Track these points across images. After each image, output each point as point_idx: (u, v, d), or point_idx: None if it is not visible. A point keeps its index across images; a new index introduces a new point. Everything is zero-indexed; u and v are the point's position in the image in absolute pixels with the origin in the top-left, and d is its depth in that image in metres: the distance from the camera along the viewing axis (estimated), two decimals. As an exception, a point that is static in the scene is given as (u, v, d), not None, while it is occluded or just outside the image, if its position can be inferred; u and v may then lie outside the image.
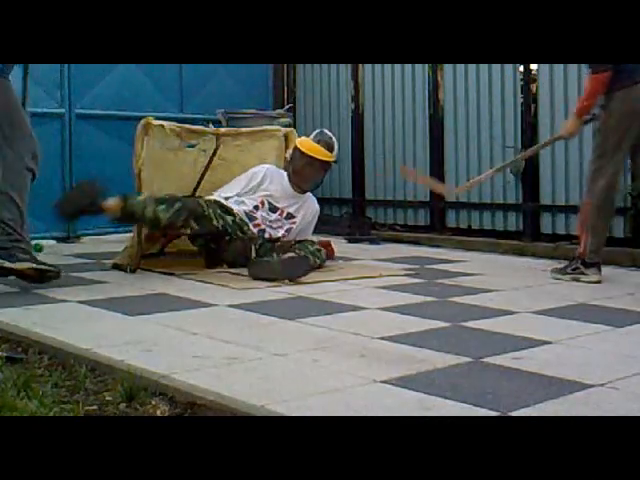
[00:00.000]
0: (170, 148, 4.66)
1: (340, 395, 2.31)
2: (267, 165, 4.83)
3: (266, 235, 4.62)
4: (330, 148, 4.73)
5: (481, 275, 4.61)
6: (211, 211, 4.41)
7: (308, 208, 4.85)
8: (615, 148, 4.38)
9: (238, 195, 4.65)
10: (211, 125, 4.95)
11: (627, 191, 5.40)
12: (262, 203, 4.67)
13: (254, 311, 3.46)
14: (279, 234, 4.68)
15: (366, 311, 3.54)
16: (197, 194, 4.81)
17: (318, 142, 4.71)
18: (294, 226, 4.75)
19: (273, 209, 4.69)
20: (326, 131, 4.89)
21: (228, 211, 4.51)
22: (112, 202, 4.28)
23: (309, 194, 4.87)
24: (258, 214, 4.64)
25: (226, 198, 4.59)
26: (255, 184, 4.69)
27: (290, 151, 4.82)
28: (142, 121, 4.55)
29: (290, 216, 4.75)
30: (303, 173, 4.71)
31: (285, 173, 4.78)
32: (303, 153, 4.68)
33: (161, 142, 4.61)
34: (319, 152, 4.69)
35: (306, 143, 4.72)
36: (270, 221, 4.67)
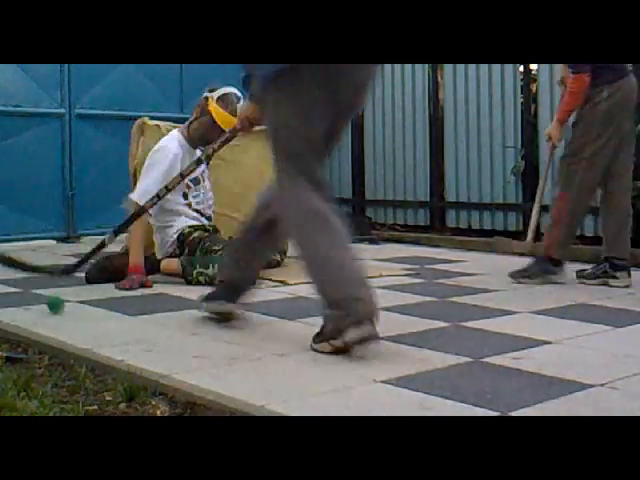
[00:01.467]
0: None
1: (340, 395, 2.31)
2: (168, 149, 4.38)
3: (207, 214, 4.48)
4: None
5: (481, 275, 4.61)
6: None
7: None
8: (597, 142, 4.30)
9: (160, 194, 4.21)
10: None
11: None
12: (188, 186, 4.41)
13: (254, 311, 3.46)
14: (208, 204, 4.50)
15: (366, 311, 3.53)
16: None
17: (228, 109, 4.32)
18: (206, 184, 4.54)
19: (195, 181, 4.44)
20: (237, 94, 4.43)
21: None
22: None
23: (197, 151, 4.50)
24: (198, 201, 4.45)
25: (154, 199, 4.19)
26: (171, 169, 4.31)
27: (195, 114, 4.44)
28: (137, 121, 4.55)
29: (199, 180, 4.48)
30: (210, 139, 4.26)
31: (179, 135, 4.44)
32: (219, 127, 4.29)
33: (157, 142, 4.60)
34: (229, 123, 4.21)
35: (224, 116, 4.30)
36: (201, 199, 4.47)
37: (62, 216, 6.06)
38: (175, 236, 4.38)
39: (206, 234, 4.35)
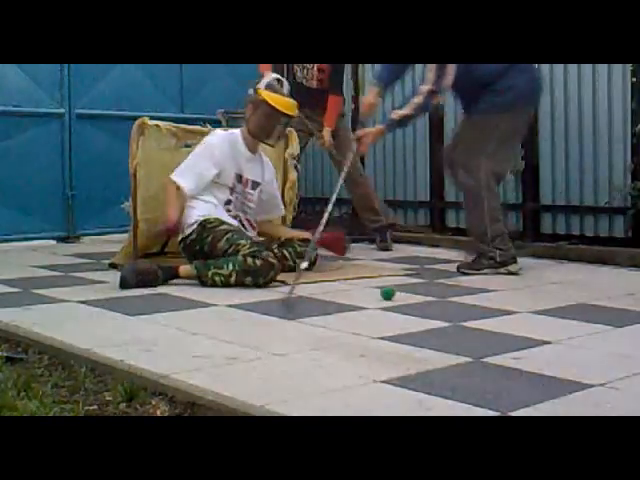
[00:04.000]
0: (166, 148, 4.65)
1: (340, 395, 2.31)
2: (216, 136, 4.47)
3: (246, 224, 4.44)
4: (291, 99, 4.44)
5: (481, 275, 4.60)
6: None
7: (266, 167, 4.59)
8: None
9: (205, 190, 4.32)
10: (208, 125, 4.93)
11: (627, 191, 5.40)
12: (233, 187, 4.41)
13: (254, 311, 3.46)
14: (249, 213, 4.47)
15: (366, 311, 3.54)
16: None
17: (277, 92, 4.37)
18: (256, 192, 4.51)
19: (239, 180, 4.43)
20: (280, 78, 4.51)
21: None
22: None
23: (261, 153, 4.57)
24: (235, 202, 4.42)
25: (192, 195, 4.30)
26: (219, 167, 4.35)
27: (249, 110, 4.45)
28: (137, 121, 4.54)
29: (255, 185, 4.50)
30: (272, 128, 4.39)
31: (239, 135, 4.48)
32: (278, 111, 4.35)
33: (157, 142, 4.61)
34: (287, 106, 4.37)
35: (278, 99, 4.35)
36: (242, 202, 4.44)
37: (62, 216, 6.05)
38: (199, 219, 4.28)
39: (232, 228, 4.27)
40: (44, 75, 5.92)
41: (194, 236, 4.28)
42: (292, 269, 4.29)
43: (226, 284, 4.03)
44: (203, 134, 4.76)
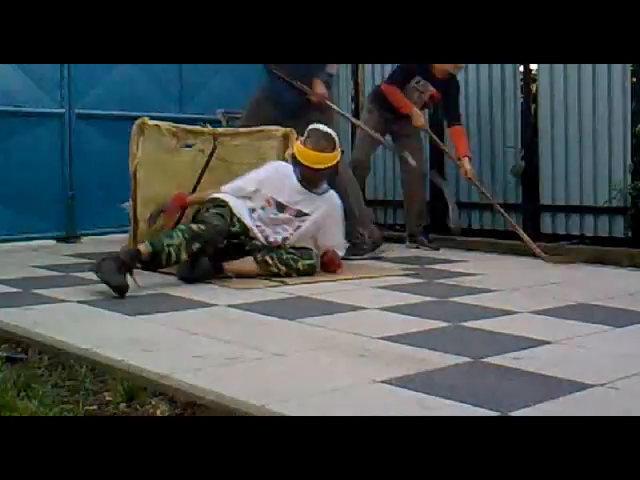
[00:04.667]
0: (166, 148, 4.66)
1: (340, 395, 2.31)
2: (276, 164, 4.59)
3: (269, 238, 4.37)
4: (332, 144, 4.43)
5: (481, 275, 4.61)
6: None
7: (323, 207, 4.50)
8: None
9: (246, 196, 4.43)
10: (208, 125, 4.93)
11: (627, 191, 5.40)
12: (269, 202, 4.41)
13: (254, 311, 3.46)
14: (282, 235, 4.40)
15: (366, 311, 3.54)
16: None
17: (318, 145, 4.39)
18: (304, 224, 4.43)
19: (280, 208, 4.42)
20: (319, 127, 4.51)
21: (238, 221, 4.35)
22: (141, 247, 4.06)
23: (329, 192, 4.56)
24: (261, 214, 4.39)
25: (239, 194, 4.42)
26: (260, 186, 4.43)
27: (289, 153, 4.59)
28: (137, 121, 4.54)
29: (301, 214, 4.45)
30: (311, 180, 4.44)
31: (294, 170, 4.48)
32: (305, 166, 4.40)
33: (157, 142, 4.60)
34: (321, 159, 4.39)
35: (305, 154, 4.38)
36: (275, 222, 4.40)
37: (62, 216, 6.05)
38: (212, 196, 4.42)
39: (226, 208, 4.31)
40: (44, 75, 5.91)
41: (198, 207, 4.40)
42: (276, 274, 4.26)
43: (178, 257, 4.02)
44: (203, 134, 4.76)
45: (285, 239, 4.41)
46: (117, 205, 4.61)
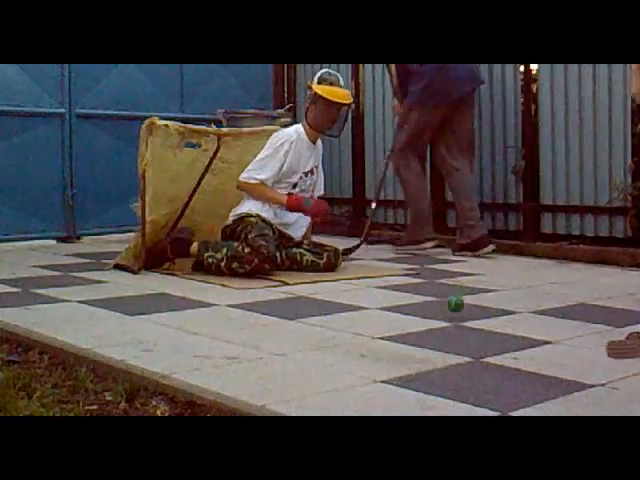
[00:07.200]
0: (170, 146, 4.65)
1: (340, 395, 2.31)
2: (288, 135, 4.61)
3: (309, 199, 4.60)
4: (344, 89, 4.67)
5: (481, 275, 4.61)
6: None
7: (319, 154, 4.77)
8: None
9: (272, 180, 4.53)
10: (213, 125, 4.93)
11: (627, 191, 5.40)
12: (300, 178, 4.60)
13: (254, 311, 3.46)
14: (309, 195, 4.64)
15: (366, 311, 3.54)
16: (196, 196, 4.76)
17: (339, 83, 4.61)
18: (315, 177, 4.70)
19: (307, 174, 4.63)
20: (330, 71, 4.76)
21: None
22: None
23: (319, 142, 4.77)
24: (296, 188, 4.59)
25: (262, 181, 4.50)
26: (287, 164, 4.53)
27: (307, 100, 4.68)
28: (146, 121, 4.52)
29: (312, 172, 4.67)
30: (331, 117, 4.60)
31: (301, 129, 4.65)
32: (335, 102, 4.54)
33: (164, 142, 4.60)
34: (341, 96, 4.58)
35: (333, 91, 4.54)
36: (303, 189, 4.62)
37: (62, 216, 6.05)
38: (243, 211, 4.49)
39: (258, 224, 4.39)
40: (44, 75, 5.91)
41: (230, 223, 4.49)
42: (288, 268, 4.46)
43: (217, 268, 4.25)
44: (210, 134, 4.75)
45: (311, 197, 4.65)
46: (129, 206, 4.59)
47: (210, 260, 4.27)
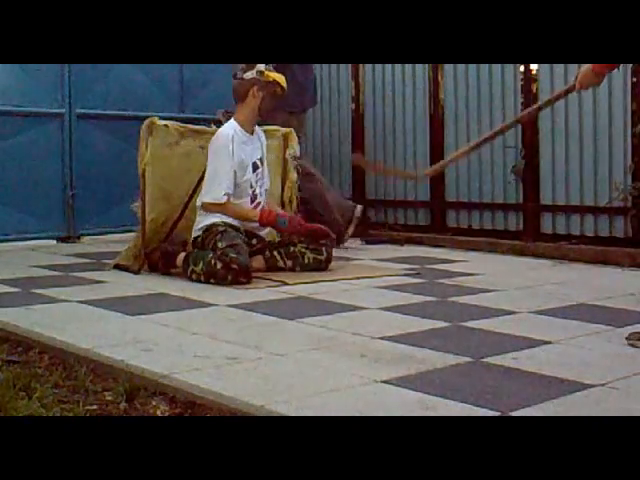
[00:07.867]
0: (169, 145, 4.64)
1: (340, 395, 2.31)
2: (225, 134, 4.50)
3: (263, 206, 4.55)
4: None
5: (481, 275, 4.61)
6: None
7: (263, 143, 4.68)
8: None
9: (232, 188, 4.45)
10: (213, 126, 4.94)
11: (627, 191, 5.40)
12: (255, 175, 4.54)
13: (254, 311, 3.46)
14: (263, 194, 4.58)
15: (366, 311, 3.54)
16: (195, 196, 4.76)
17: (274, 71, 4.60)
18: (263, 171, 4.62)
19: (255, 168, 4.55)
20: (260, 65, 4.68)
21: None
22: None
23: (257, 128, 4.69)
24: (256, 200, 4.53)
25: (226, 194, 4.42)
26: (236, 158, 4.46)
27: (254, 94, 4.56)
28: (146, 121, 4.53)
29: (261, 163, 4.61)
30: (273, 107, 4.65)
31: (234, 123, 4.56)
32: (277, 83, 4.54)
33: (163, 141, 4.60)
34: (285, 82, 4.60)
35: (280, 77, 4.56)
36: (259, 191, 4.55)
37: (62, 216, 6.04)
38: (210, 222, 4.40)
39: (227, 231, 4.33)
40: (44, 75, 5.91)
41: (200, 234, 4.41)
42: (281, 269, 4.44)
43: (198, 280, 4.20)
44: (210, 134, 4.75)
45: (266, 190, 4.63)
46: (129, 206, 4.59)
47: (192, 276, 4.22)
